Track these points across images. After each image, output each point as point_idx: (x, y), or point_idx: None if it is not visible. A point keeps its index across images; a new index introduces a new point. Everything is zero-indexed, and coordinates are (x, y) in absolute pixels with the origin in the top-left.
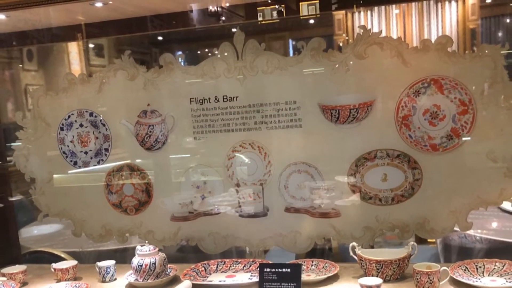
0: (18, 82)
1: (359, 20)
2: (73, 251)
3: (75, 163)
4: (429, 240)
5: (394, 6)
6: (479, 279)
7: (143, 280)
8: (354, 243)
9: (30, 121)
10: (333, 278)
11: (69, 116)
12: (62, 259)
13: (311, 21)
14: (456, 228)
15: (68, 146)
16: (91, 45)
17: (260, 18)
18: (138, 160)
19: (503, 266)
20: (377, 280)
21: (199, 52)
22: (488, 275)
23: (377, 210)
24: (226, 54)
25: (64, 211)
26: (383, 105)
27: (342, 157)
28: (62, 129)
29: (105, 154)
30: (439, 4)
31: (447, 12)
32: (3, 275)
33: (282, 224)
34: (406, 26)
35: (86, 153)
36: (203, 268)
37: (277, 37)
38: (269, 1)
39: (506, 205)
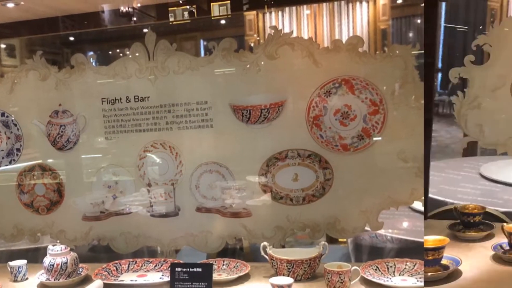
0: None
1: (270, 20)
2: None
3: None
4: (340, 239)
5: (305, 6)
6: (390, 278)
7: (54, 280)
8: (265, 243)
9: None
10: (244, 278)
11: None
12: None
13: (223, 22)
14: (367, 228)
15: None
16: (2, 46)
17: (171, 19)
18: (49, 160)
19: (414, 266)
20: (288, 280)
21: (110, 52)
22: (399, 275)
23: (288, 210)
24: (137, 54)
25: None
26: (294, 105)
27: (253, 157)
28: None
29: (17, 154)
30: (350, 5)
31: (358, 13)
32: None
33: (193, 224)
34: (317, 27)
35: None
36: (114, 268)
37: (188, 38)
38: (180, 2)
39: (417, 204)
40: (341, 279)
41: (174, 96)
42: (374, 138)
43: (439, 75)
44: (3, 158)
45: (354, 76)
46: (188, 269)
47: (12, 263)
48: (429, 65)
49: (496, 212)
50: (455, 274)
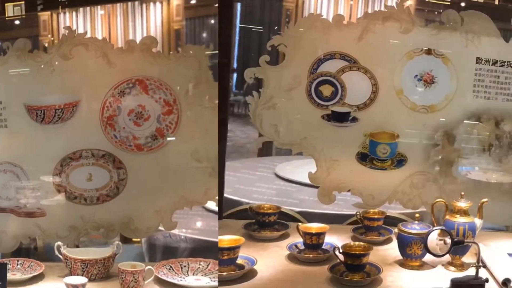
0: None
1: (65, 21)
2: None
3: None
4: (134, 239)
5: (99, 7)
6: (184, 278)
7: None
8: (59, 243)
9: None
10: (39, 277)
11: None
12: None
13: (17, 22)
14: (161, 228)
15: None
16: None
17: None
18: None
19: (208, 265)
20: (82, 279)
21: None
22: (193, 274)
23: (83, 210)
24: None
25: None
26: (89, 106)
27: (48, 157)
28: None
29: None
30: (144, 5)
31: (152, 13)
32: None
33: None
34: (112, 27)
35: None
36: None
37: None
38: None
39: (211, 204)
40: (135, 279)
41: None
42: (168, 138)
43: (235, 75)
44: None
45: (148, 76)
46: None
47: None
48: (224, 65)
49: (291, 212)
50: (250, 274)
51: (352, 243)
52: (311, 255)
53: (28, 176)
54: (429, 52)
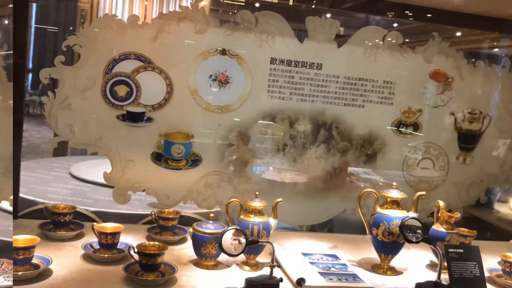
0: None
1: None
2: None
3: None
4: None
5: None
6: None
7: None
8: None
9: None
10: None
11: None
12: None
13: None
14: None
15: None
16: None
17: None
18: None
19: (1, 265)
20: None
21: None
22: None
23: None
24: None
25: None
26: None
27: None
28: None
29: None
30: None
31: None
32: None
33: None
34: None
35: None
36: None
37: None
38: None
39: (4, 204)
40: None
41: None
42: None
43: (30, 75)
44: None
45: None
46: None
47: None
48: (19, 65)
49: (87, 212)
50: (45, 273)
51: (147, 242)
52: (106, 255)
53: None
54: (223, 52)
